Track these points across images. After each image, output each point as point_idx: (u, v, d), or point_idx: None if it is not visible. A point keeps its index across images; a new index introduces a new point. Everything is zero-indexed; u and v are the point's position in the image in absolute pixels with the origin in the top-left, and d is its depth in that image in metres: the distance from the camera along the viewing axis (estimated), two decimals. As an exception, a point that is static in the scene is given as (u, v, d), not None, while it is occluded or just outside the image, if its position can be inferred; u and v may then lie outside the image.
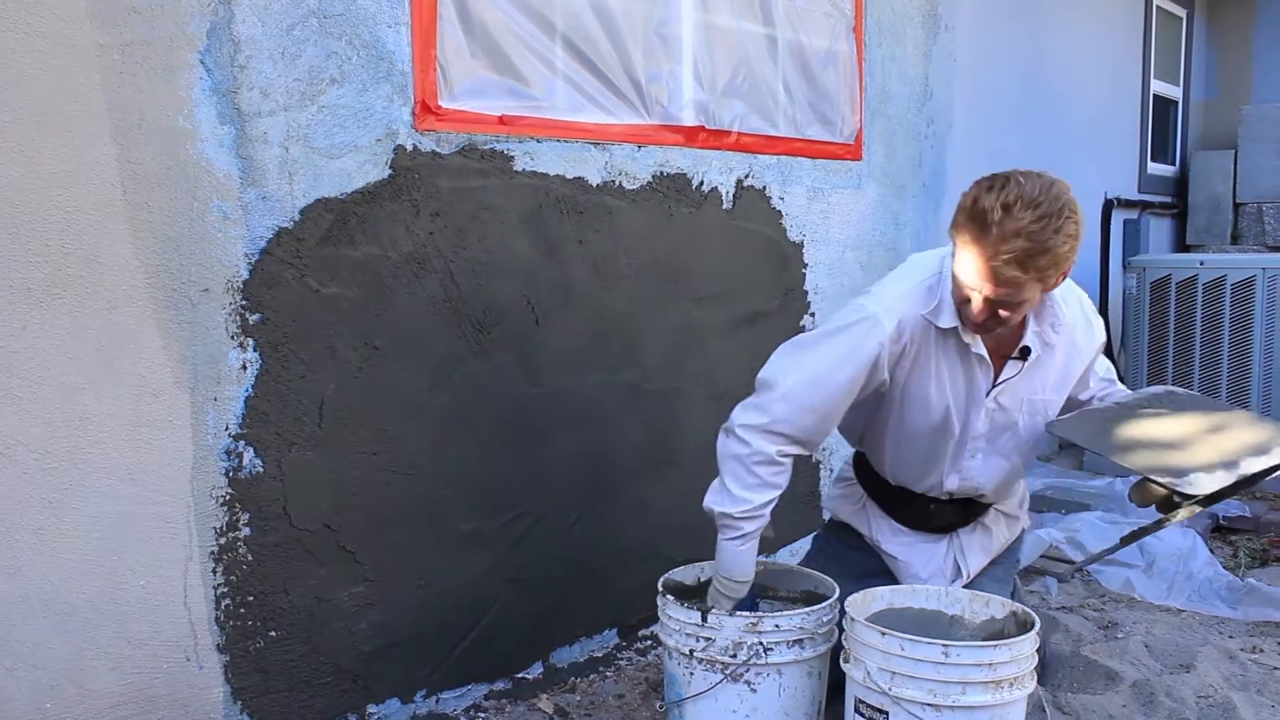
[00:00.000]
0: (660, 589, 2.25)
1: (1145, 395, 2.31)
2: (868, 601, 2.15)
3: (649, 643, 3.04)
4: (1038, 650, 2.00)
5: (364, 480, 2.34)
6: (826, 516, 2.62)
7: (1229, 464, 2.06)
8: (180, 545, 2.07)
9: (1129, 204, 6.05)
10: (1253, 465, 2.07)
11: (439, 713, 2.57)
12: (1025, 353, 2.20)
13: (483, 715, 2.60)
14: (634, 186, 2.90)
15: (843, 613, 2.11)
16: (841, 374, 2.12)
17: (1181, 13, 6.80)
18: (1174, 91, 6.84)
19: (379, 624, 2.41)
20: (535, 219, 2.64)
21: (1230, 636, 3.08)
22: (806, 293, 3.56)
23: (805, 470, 3.61)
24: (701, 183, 3.11)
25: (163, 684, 2.07)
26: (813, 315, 3.57)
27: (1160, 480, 2.06)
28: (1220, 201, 6.59)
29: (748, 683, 2.12)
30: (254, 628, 2.19)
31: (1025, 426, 2.29)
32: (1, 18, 1.79)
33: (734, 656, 2.10)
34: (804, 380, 2.11)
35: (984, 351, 2.18)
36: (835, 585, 2.24)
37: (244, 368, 2.13)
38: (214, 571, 2.12)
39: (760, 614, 2.13)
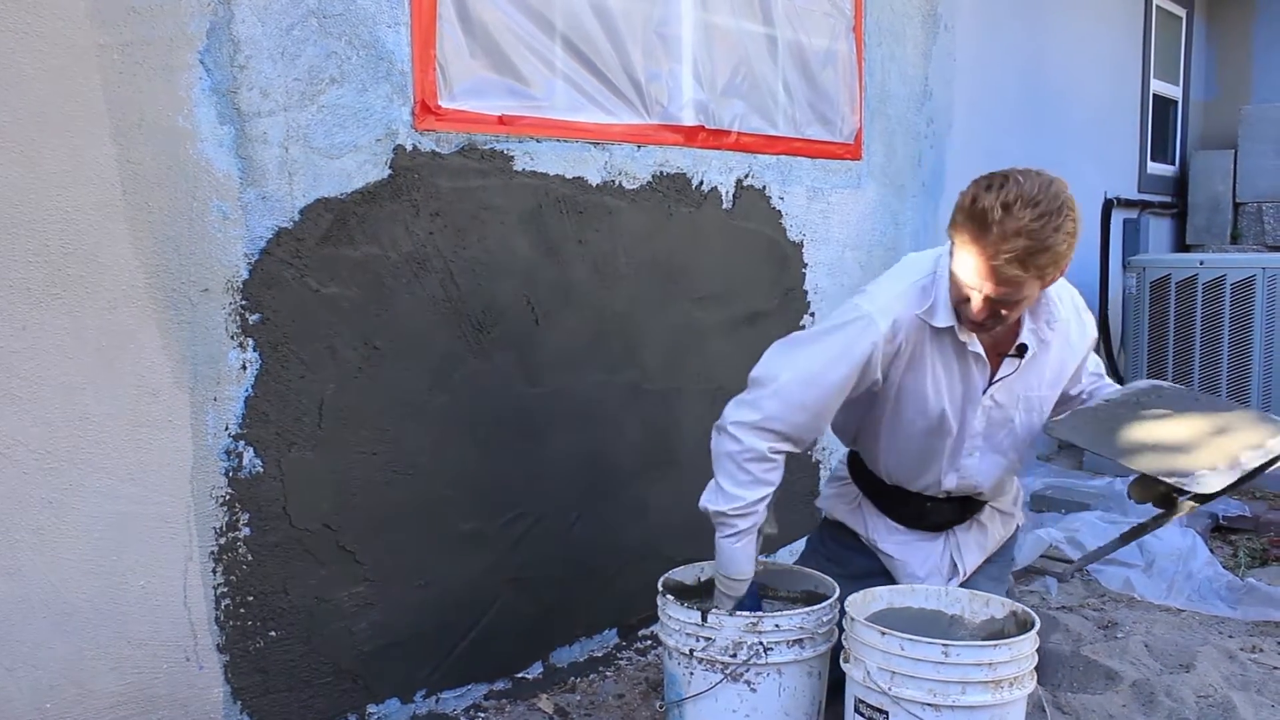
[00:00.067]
0: (660, 589, 2.25)
1: (1133, 391, 2.31)
2: (867, 601, 2.15)
3: (649, 643, 3.04)
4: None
5: (364, 480, 2.34)
6: (821, 515, 2.62)
7: (1231, 461, 2.07)
8: (180, 545, 2.07)
9: (1129, 204, 6.05)
10: (1252, 461, 2.08)
11: (439, 713, 2.57)
12: (1022, 350, 2.21)
13: (483, 715, 2.60)
14: (634, 186, 2.90)
15: (843, 612, 2.11)
16: (835, 373, 2.12)
17: (1181, 12, 6.80)
18: (1174, 91, 6.84)
19: (379, 624, 2.41)
20: (535, 219, 2.64)
21: (1230, 636, 3.08)
22: (806, 292, 3.56)
23: (805, 470, 3.62)
24: (701, 182, 3.11)
25: (163, 684, 2.07)
26: (812, 315, 3.57)
27: (1168, 480, 2.06)
28: (1220, 201, 6.59)
29: (748, 682, 2.12)
30: (254, 628, 2.19)
31: (1022, 423, 2.29)
32: (1, 18, 1.79)
33: (734, 656, 2.10)
34: (797, 378, 2.12)
35: (980, 350, 2.19)
36: (835, 585, 2.25)
37: (244, 368, 2.13)
38: (214, 571, 2.12)
39: (760, 614, 2.13)
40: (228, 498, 2.13)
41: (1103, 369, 2.49)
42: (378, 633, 2.41)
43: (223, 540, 2.13)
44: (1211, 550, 3.66)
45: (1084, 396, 2.39)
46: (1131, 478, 2.19)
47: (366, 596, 2.38)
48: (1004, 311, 2.04)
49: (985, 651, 1.91)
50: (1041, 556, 3.65)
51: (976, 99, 4.48)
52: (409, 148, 2.36)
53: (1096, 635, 3.04)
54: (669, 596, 2.22)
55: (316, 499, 2.26)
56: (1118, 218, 5.84)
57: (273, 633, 2.22)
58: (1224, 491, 2.09)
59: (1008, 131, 4.78)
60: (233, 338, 2.11)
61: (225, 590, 2.14)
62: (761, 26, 3.31)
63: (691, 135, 3.06)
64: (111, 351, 1.96)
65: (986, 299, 2.02)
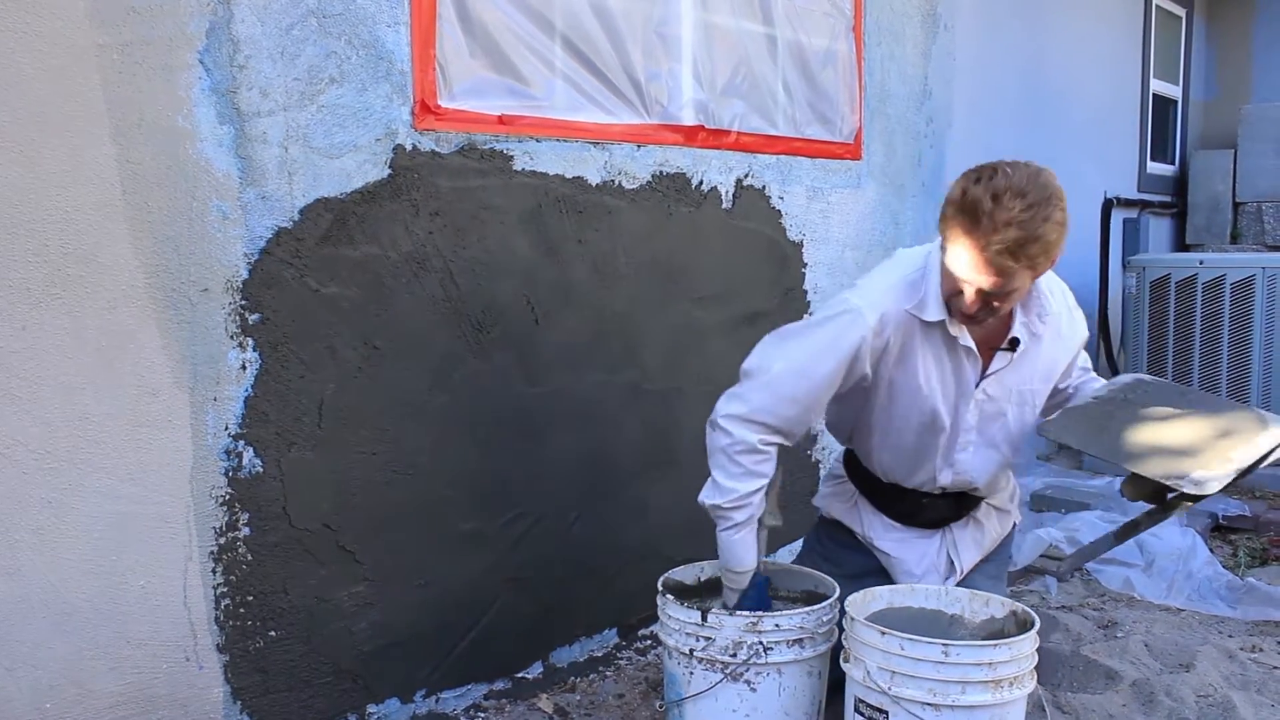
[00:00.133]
0: (660, 588, 2.25)
1: (1119, 387, 2.31)
2: (867, 601, 2.15)
3: (649, 642, 3.04)
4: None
5: (364, 480, 2.34)
6: (818, 514, 2.63)
7: (1224, 459, 2.07)
8: (180, 545, 2.07)
9: (1129, 203, 6.05)
10: (1245, 459, 2.08)
11: (439, 712, 2.57)
12: (1014, 344, 2.22)
13: (482, 715, 2.60)
14: (633, 186, 2.90)
15: (843, 612, 2.11)
16: (823, 365, 2.15)
17: (1181, 12, 6.80)
18: (1173, 91, 6.83)
19: (379, 624, 2.41)
20: (535, 219, 2.64)
21: (1230, 636, 3.08)
22: (806, 292, 3.56)
23: (805, 470, 3.62)
24: (701, 182, 3.11)
25: (162, 684, 2.07)
26: (812, 315, 3.57)
27: (1166, 482, 2.06)
28: (1220, 201, 6.58)
29: (748, 682, 2.11)
30: (254, 627, 2.19)
31: (1015, 417, 2.31)
32: (1, 17, 1.79)
33: (734, 656, 2.10)
34: (785, 371, 2.15)
35: (971, 344, 2.20)
36: (835, 585, 2.25)
37: (243, 367, 2.13)
38: (214, 571, 2.12)
39: (760, 613, 2.13)
40: (227, 497, 2.13)
41: (1089, 363, 2.51)
42: (377, 632, 2.41)
43: (222, 540, 2.13)
44: (1211, 550, 3.66)
45: (1071, 391, 2.40)
46: (1124, 475, 2.20)
47: (366, 596, 2.38)
48: (996, 303, 2.06)
49: (985, 651, 1.91)
50: (1041, 556, 3.65)
51: (976, 98, 4.48)
52: (409, 147, 2.36)
53: (1096, 635, 3.04)
54: (669, 596, 2.22)
55: (316, 499, 2.26)
56: (1117, 217, 5.84)
57: (272, 633, 2.22)
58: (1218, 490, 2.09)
59: (1007, 131, 4.78)
60: (232, 337, 2.11)
61: (225, 590, 2.14)
62: (761, 26, 3.31)
63: (691, 135, 3.06)
64: (111, 351, 1.96)
65: (979, 291, 2.03)
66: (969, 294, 2.05)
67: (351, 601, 2.35)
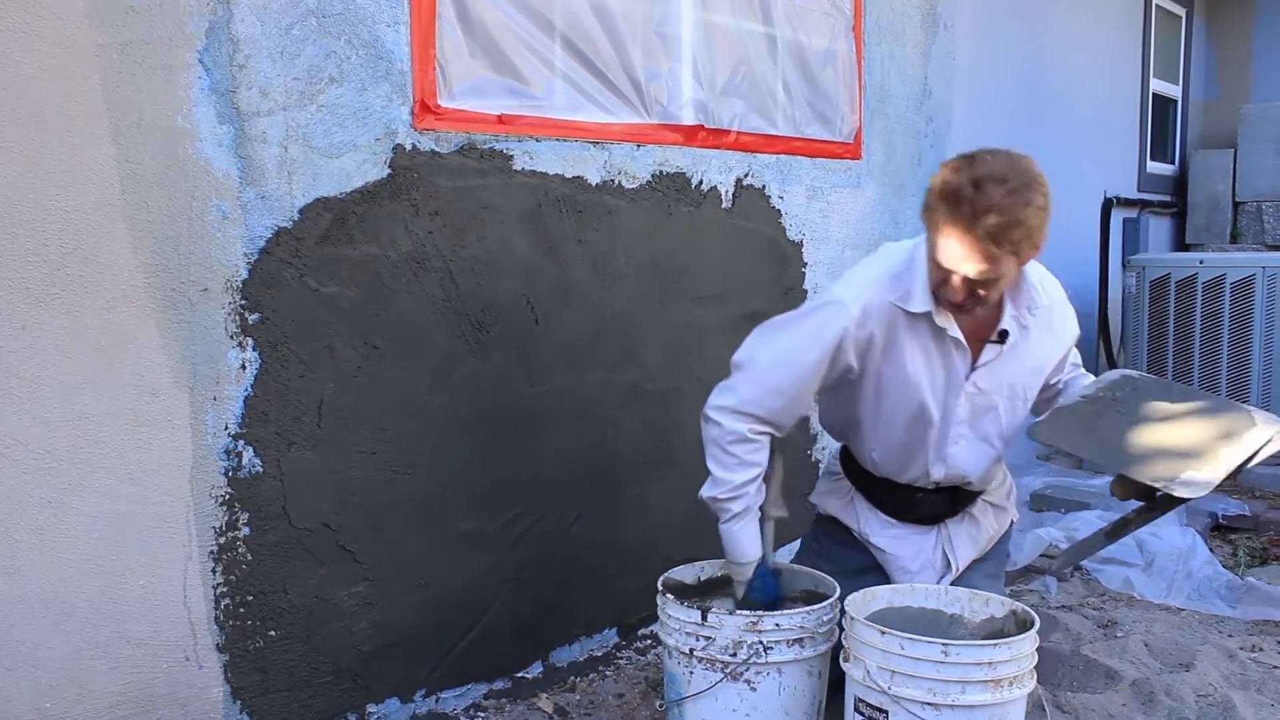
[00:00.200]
0: (660, 588, 2.25)
1: (1107, 384, 2.29)
2: (867, 600, 2.15)
3: (649, 642, 3.04)
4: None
5: (363, 480, 2.34)
6: (816, 512, 2.63)
7: (1214, 459, 2.06)
8: (179, 545, 2.07)
9: (1128, 203, 6.05)
10: (1235, 458, 2.08)
11: (439, 712, 2.57)
12: (1003, 336, 2.22)
13: (482, 715, 2.60)
14: (633, 185, 2.90)
15: (843, 612, 2.11)
16: (807, 356, 2.18)
17: (1181, 12, 6.80)
18: (1173, 90, 6.83)
19: (378, 623, 2.41)
20: (534, 218, 2.64)
21: (1230, 635, 3.08)
22: (806, 292, 3.55)
23: (805, 470, 3.61)
24: (701, 182, 3.11)
25: (162, 684, 2.07)
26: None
27: (1156, 485, 2.06)
28: (1220, 200, 6.58)
29: (747, 681, 2.11)
30: (253, 627, 2.19)
31: (1006, 410, 2.31)
32: (1, 17, 1.79)
33: (734, 655, 2.10)
34: (771, 362, 2.19)
35: (960, 335, 2.20)
36: (836, 584, 2.25)
37: (243, 367, 2.13)
38: (213, 571, 2.12)
39: (760, 613, 2.13)
40: (227, 497, 2.13)
41: (1079, 359, 2.51)
42: (377, 632, 2.41)
43: (222, 540, 2.13)
44: (1211, 549, 3.66)
45: (1061, 385, 2.41)
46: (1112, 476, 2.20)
47: (366, 596, 2.38)
48: (982, 291, 2.07)
49: (985, 651, 1.91)
50: (1041, 556, 3.65)
51: (976, 98, 4.48)
52: (408, 147, 2.36)
53: (1096, 634, 3.04)
54: (669, 595, 2.22)
55: (316, 498, 2.26)
56: (1117, 217, 5.84)
57: (272, 632, 2.22)
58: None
59: (1007, 130, 4.77)
60: (232, 337, 2.11)
61: (225, 590, 2.14)
62: (761, 26, 3.31)
63: (691, 134, 3.06)
64: (111, 351, 1.95)
65: (964, 279, 2.05)
66: (955, 282, 2.06)
67: (351, 601, 2.35)
